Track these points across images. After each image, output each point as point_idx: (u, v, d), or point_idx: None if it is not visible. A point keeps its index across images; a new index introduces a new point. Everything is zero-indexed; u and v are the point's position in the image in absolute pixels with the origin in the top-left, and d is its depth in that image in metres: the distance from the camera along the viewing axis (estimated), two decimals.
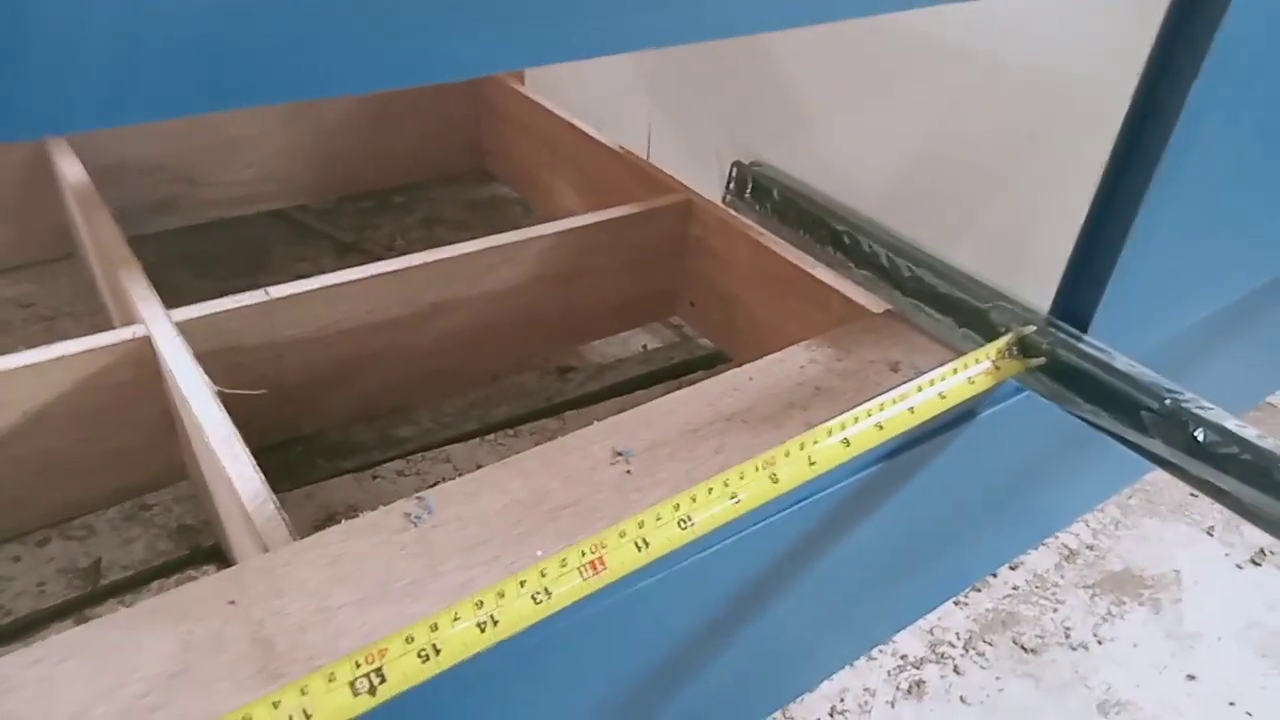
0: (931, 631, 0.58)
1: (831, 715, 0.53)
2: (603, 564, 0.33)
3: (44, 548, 0.56)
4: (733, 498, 0.36)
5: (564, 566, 0.33)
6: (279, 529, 0.42)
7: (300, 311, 0.60)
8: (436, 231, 0.96)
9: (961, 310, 0.49)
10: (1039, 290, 0.48)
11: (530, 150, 0.96)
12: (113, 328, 0.56)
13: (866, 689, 0.54)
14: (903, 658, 0.56)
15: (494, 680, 0.34)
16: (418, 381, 0.71)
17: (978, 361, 0.44)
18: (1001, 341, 0.45)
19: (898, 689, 0.54)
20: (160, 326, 0.55)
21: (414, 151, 1.01)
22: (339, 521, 0.42)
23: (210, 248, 0.88)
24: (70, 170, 0.71)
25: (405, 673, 0.29)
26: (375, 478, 0.63)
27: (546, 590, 0.32)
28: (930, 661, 0.56)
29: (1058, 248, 0.47)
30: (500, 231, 0.68)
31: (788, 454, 0.38)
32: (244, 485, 0.45)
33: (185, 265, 0.84)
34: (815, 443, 0.39)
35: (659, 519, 0.35)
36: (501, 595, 0.31)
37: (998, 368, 0.45)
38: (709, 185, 0.70)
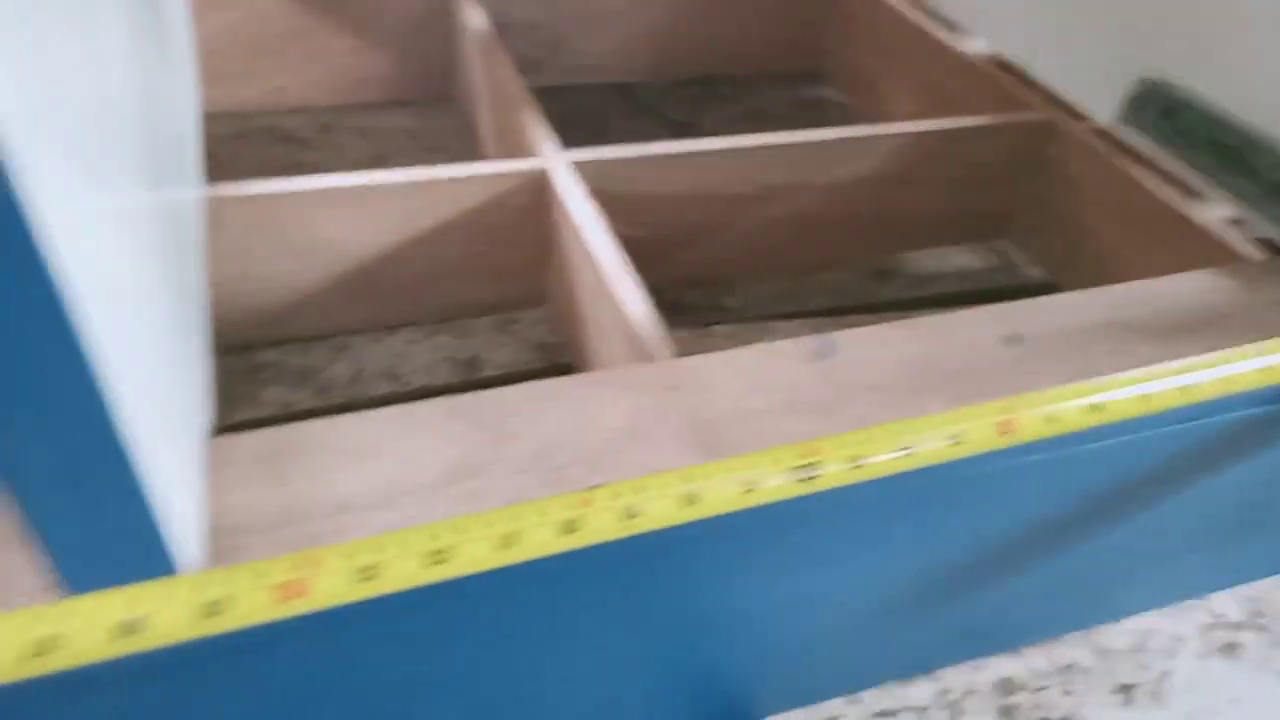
0: (1254, 600, 0.55)
1: (1135, 651, 0.52)
2: (1012, 427, 0.35)
3: (433, 338, 0.65)
4: (1144, 398, 0.37)
5: (977, 419, 0.34)
6: (663, 350, 0.47)
7: (668, 171, 0.64)
8: (759, 126, 0.98)
9: None
10: None
11: (873, 55, 0.95)
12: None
13: (1175, 636, 0.53)
14: (1218, 616, 0.54)
15: (882, 508, 0.37)
16: (742, 259, 0.74)
17: None
18: None
19: (1209, 645, 0.53)
20: (556, 163, 0.61)
21: (751, 44, 1.03)
22: None
23: (558, 109, 0.95)
24: (474, 18, 0.78)
25: (836, 474, 0.32)
26: (708, 334, 0.68)
27: (960, 437, 0.34)
28: (1249, 628, 0.54)
29: None
30: None
31: (1187, 370, 0.38)
32: (634, 310, 0.50)
33: None
34: (1206, 368, 0.38)
35: (1061, 399, 0.36)
36: (922, 430, 0.34)
37: None
38: (1093, 101, 0.67)
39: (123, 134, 0.27)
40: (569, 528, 0.29)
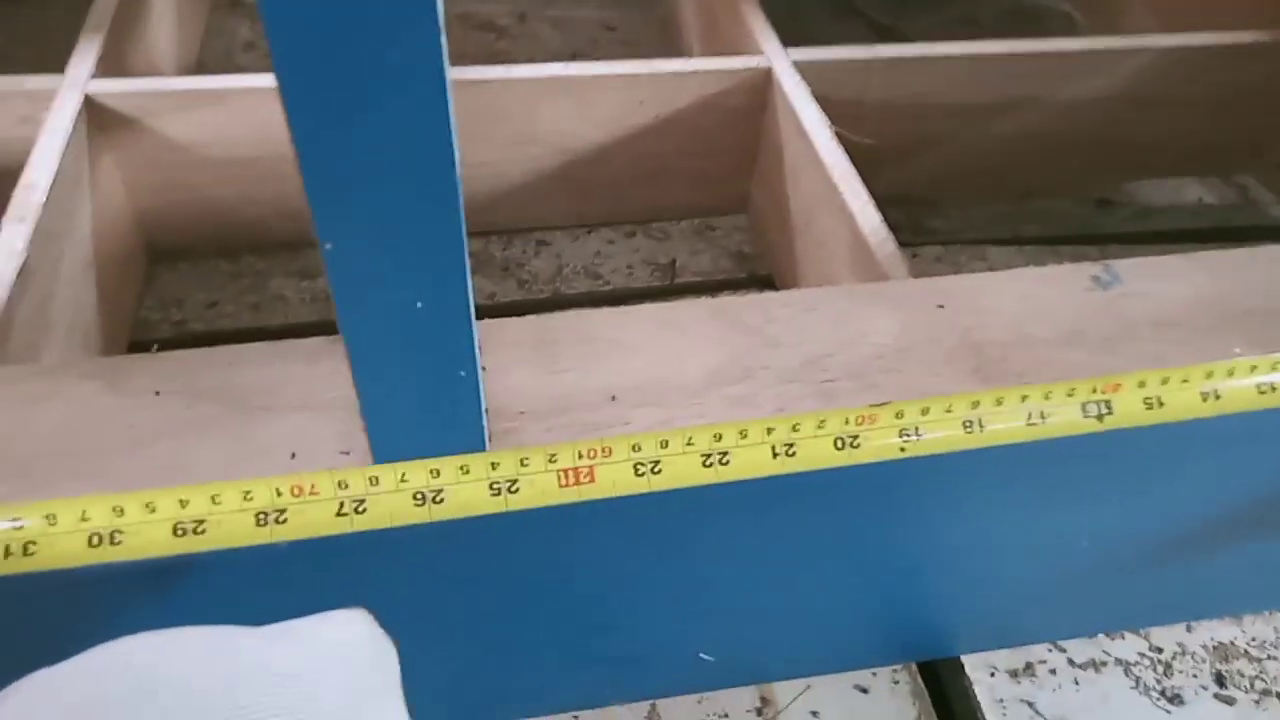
0: None
1: None
2: None
3: (631, 239, 0.64)
4: None
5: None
6: (899, 267, 0.45)
7: (898, 76, 0.60)
8: (970, 34, 0.91)
9: None
10: None
11: None
12: None
13: None
14: None
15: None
16: (956, 178, 0.69)
17: None
18: None
19: None
20: (779, 62, 0.58)
21: None
22: None
23: None
24: None
25: (1131, 413, 0.30)
26: (914, 255, 0.64)
27: (1276, 384, 0.31)
28: None
29: None
30: None
31: None
32: (865, 222, 0.47)
33: None
34: None
35: None
36: (1231, 373, 0.31)
37: None
38: None
39: None
40: (849, 443, 0.28)
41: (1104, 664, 0.47)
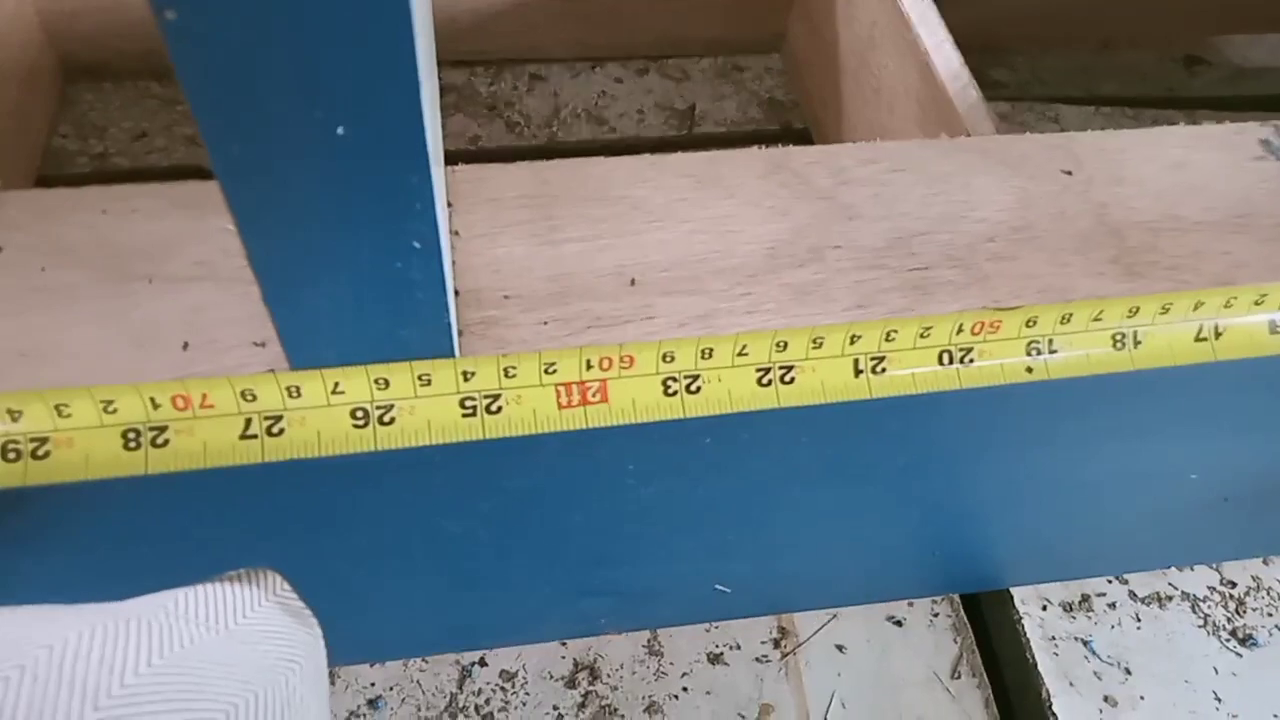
0: None
1: None
2: None
3: (643, 78, 0.54)
4: None
5: None
6: (984, 120, 0.36)
7: None
8: None
9: None
10: None
11: None
12: None
13: None
14: None
15: None
16: (1029, 22, 0.59)
17: None
18: None
19: None
20: None
21: None
22: None
23: None
24: None
25: None
26: None
27: None
28: None
29: None
30: None
31: None
32: (942, 63, 0.38)
33: None
34: None
35: None
36: None
37: None
38: None
39: None
40: (959, 358, 0.21)
41: (1169, 599, 0.42)
